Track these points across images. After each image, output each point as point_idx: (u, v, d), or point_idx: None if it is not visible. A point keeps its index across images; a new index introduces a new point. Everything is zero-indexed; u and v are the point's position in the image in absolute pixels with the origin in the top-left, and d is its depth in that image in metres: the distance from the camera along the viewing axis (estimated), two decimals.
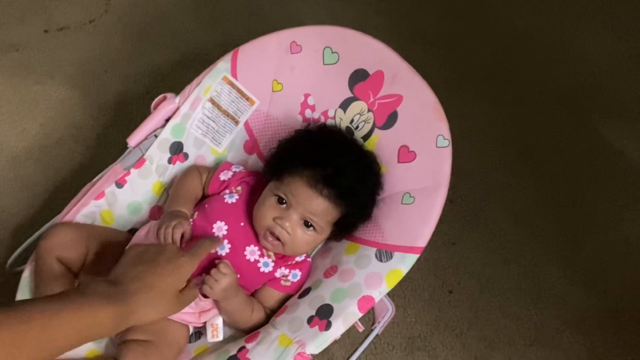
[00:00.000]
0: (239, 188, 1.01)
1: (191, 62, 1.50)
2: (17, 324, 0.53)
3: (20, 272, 1.09)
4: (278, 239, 0.92)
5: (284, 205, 0.93)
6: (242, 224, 0.96)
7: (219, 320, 0.94)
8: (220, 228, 0.95)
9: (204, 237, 0.89)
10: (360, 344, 1.09)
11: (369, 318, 1.11)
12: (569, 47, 1.62)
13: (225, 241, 0.94)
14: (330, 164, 0.92)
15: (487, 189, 1.33)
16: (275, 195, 0.94)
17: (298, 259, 0.99)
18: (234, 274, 0.89)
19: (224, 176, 1.02)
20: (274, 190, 0.94)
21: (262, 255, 0.96)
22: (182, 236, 0.91)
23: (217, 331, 0.93)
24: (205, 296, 0.92)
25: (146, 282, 0.63)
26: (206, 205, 0.99)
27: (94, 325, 0.57)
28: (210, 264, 0.92)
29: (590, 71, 1.57)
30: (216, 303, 0.93)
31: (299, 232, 0.93)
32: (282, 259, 0.97)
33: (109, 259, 0.94)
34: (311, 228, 0.93)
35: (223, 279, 0.88)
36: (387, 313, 1.09)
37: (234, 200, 0.98)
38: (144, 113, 1.37)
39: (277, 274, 0.97)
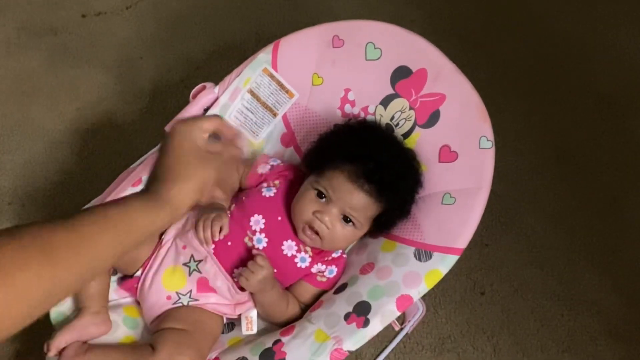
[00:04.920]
0: (277, 182, 1.00)
1: (226, 52, 1.50)
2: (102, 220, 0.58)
3: None
4: (317, 233, 0.92)
5: (324, 200, 0.92)
6: (279, 218, 0.96)
7: (254, 313, 0.93)
8: (257, 222, 0.95)
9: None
10: (390, 342, 1.09)
11: (399, 316, 1.10)
12: (610, 48, 1.59)
13: (263, 235, 0.94)
14: (372, 159, 0.91)
15: (522, 191, 1.31)
16: (315, 189, 0.93)
17: (334, 254, 0.98)
18: (270, 267, 0.90)
19: (262, 169, 1.02)
20: (313, 184, 0.94)
21: (299, 251, 0.95)
22: (220, 229, 0.91)
23: (251, 324, 0.93)
24: (242, 289, 0.92)
25: (178, 180, 0.66)
26: (244, 198, 0.98)
27: (158, 226, 0.64)
28: (249, 257, 0.92)
29: (631, 73, 1.54)
30: (252, 296, 0.93)
31: (338, 227, 0.92)
32: (319, 255, 0.97)
33: (144, 248, 0.95)
34: (350, 223, 0.92)
35: (259, 271, 0.88)
36: (417, 312, 1.08)
37: (272, 194, 0.98)
38: (178, 101, 1.39)
39: (314, 270, 0.97)
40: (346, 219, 0.92)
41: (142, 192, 0.66)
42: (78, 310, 0.90)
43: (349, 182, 0.91)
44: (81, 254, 0.54)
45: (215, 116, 0.76)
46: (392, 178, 0.91)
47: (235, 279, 0.92)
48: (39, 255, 0.50)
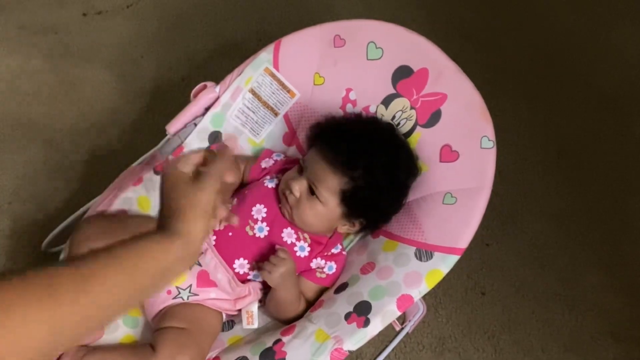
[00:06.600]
0: (279, 175, 1.02)
1: (227, 50, 1.50)
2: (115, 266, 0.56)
3: (56, 253, 1.10)
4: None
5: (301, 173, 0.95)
6: (280, 206, 0.97)
7: (255, 307, 0.94)
8: (259, 211, 0.96)
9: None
10: (390, 341, 1.09)
11: (400, 316, 1.10)
12: (612, 48, 1.59)
13: (264, 224, 0.95)
14: (343, 135, 0.93)
15: (524, 190, 1.31)
16: (299, 165, 0.96)
17: (334, 250, 0.99)
18: (292, 262, 0.91)
19: (265, 164, 1.04)
20: (300, 161, 0.97)
21: (298, 239, 0.96)
22: (220, 221, 0.92)
23: (252, 318, 0.93)
24: (243, 282, 0.94)
25: (182, 211, 0.66)
26: (246, 191, 1.00)
27: (171, 261, 0.61)
28: (249, 247, 0.93)
29: (633, 73, 1.54)
30: (271, 291, 0.94)
31: (305, 197, 0.93)
32: (317, 245, 0.98)
33: None
34: (315, 196, 0.93)
35: (281, 264, 0.89)
36: (418, 312, 1.08)
37: (273, 185, 1.00)
38: (179, 100, 1.38)
39: (313, 265, 0.98)
40: (312, 192, 0.93)
41: (152, 231, 0.65)
42: None
43: (316, 152, 0.93)
44: (86, 293, 0.52)
45: (201, 150, 0.74)
46: (358, 152, 0.91)
47: (237, 271, 0.94)
48: (41, 293, 0.49)
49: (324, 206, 0.93)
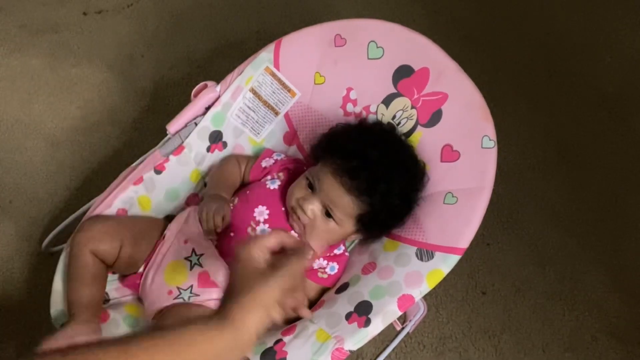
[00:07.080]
0: (280, 174, 1.02)
1: (227, 50, 1.50)
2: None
3: (56, 252, 1.10)
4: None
5: (312, 190, 0.93)
6: (283, 209, 0.97)
7: None
8: (261, 212, 0.96)
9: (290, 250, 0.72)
10: (391, 341, 1.09)
11: (401, 316, 1.10)
12: (613, 47, 1.58)
13: (267, 225, 0.95)
14: (358, 157, 0.91)
15: (524, 190, 1.31)
16: (307, 179, 0.94)
17: (336, 251, 0.99)
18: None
19: (266, 163, 1.03)
20: (306, 174, 0.95)
21: None
22: (223, 219, 0.92)
23: None
24: None
25: (242, 299, 0.64)
26: (247, 192, 1.00)
27: (220, 349, 0.60)
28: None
29: (634, 72, 1.53)
30: None
31: (320, 218, 0.92)
32: None
33: (143, 248, 0.96)
34: (331, 218, 0.92)
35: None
36: (419, 312, 1.08)
37: (275, 187, 0.99)
38: (180, 99, 1.39)
39: (315, 265, 0.97)
40: (328, 213, 0.92)
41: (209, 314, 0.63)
42: (70, 316, 0.88)
43: (332, 176, 0.91)
44: None
45: (276, 231, 0.72)
46: (375, 178, 0.90)
47: None
48: None
49: (339, 226, 0.93)
